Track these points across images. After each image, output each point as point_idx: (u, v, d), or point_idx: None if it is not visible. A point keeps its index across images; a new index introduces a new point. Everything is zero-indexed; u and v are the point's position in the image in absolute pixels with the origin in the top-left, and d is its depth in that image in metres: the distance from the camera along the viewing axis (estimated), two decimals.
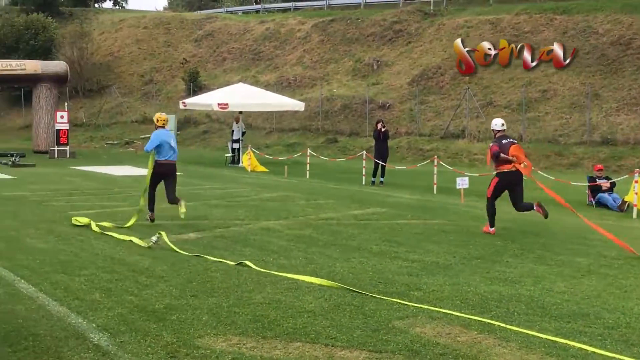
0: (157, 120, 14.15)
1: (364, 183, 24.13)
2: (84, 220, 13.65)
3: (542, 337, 6.98)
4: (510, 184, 13.44)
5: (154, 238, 11.50)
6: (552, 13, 41.42)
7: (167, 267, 9.95)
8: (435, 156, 25.01)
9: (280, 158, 32.17)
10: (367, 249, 11.63)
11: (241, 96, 32.26)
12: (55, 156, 34.86)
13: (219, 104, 31.09)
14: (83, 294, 8.37)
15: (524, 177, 13.54)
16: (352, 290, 8.69)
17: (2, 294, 8.32)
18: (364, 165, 24.87)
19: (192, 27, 59.23)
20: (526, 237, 13.27)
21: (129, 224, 13.42)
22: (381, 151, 23.87)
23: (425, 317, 7.64)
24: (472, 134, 35.60)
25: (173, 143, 13.98)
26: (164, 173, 14.01)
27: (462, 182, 18.71)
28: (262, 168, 29.41)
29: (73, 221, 13.73)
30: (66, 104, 38.92)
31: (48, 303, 7.98)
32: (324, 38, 49.80)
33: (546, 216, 13.30)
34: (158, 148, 13.85)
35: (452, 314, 7.74)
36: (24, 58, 46.04)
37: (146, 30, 60.15)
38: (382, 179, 24.01)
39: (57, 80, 38.41)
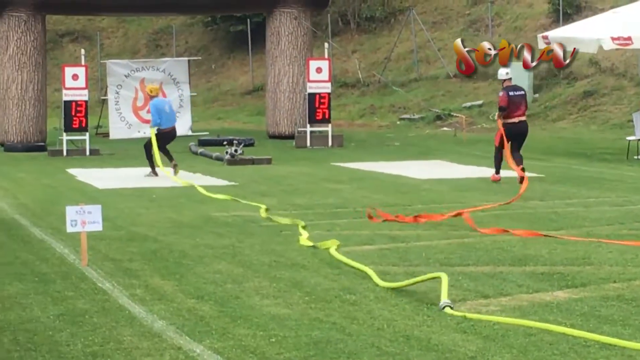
0: (151, 91, 26.89)
1: None
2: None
3: None
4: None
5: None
6: None
7: None
8: None
9: None
10: None
11: None
12: (308, 144, 36.15)
13: (613, 39, 30.84)
14: None
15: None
16: None
17: None
18: None
19: None
20: None
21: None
22: None
23: None
24: None
25: (168, 109, 26.32)
26: (172, 137, 26.40)
27: None
28: None
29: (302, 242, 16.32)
30: (326, 45, 40.16)
31: None
32: None
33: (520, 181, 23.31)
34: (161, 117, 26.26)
35: None
36: None
37: None
38: None
39: (310, 1, 39.85)
